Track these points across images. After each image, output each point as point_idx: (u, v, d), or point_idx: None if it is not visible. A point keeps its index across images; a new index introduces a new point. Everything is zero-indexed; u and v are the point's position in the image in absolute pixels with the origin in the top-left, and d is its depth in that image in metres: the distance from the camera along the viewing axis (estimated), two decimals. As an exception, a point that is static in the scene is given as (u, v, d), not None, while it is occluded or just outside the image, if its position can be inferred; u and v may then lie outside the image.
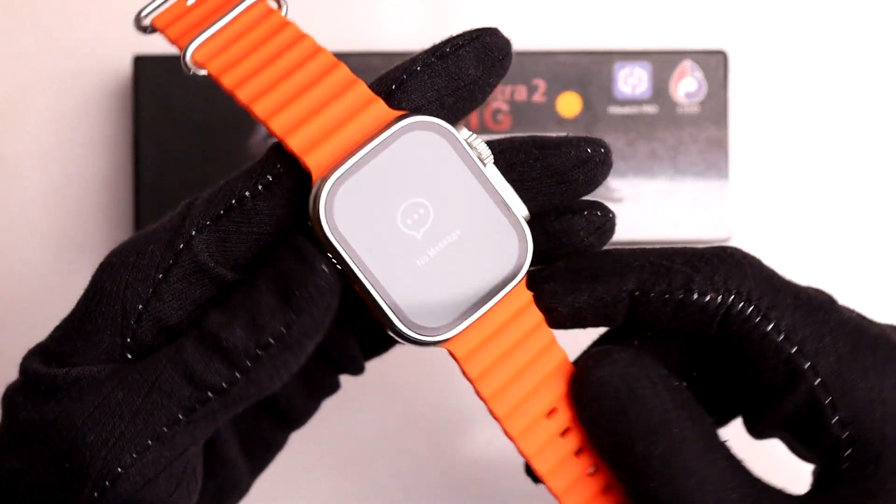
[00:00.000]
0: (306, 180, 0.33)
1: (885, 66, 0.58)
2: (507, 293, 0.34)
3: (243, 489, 0.39)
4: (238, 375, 0.32)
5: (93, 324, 0.33)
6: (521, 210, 0.34)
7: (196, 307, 0.34)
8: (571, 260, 0.35)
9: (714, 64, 0.55)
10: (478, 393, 0.34)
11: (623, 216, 0.55)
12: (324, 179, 0.32)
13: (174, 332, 0.34)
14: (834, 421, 0.33)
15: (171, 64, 0.53)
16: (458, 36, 0.34)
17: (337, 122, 0.33)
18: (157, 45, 0.55)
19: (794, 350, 0.33)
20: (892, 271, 0.58)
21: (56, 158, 0.55)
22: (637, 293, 0.34)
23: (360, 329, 0.40)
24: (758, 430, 0.36)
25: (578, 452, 0.35)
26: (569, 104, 0.54)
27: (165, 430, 0.32)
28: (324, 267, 0.32)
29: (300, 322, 0.32)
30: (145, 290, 0.33)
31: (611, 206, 0.55)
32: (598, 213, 0.35)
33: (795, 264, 0.58)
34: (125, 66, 0.55)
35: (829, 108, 0.58)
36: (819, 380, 0.33)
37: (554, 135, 0.34)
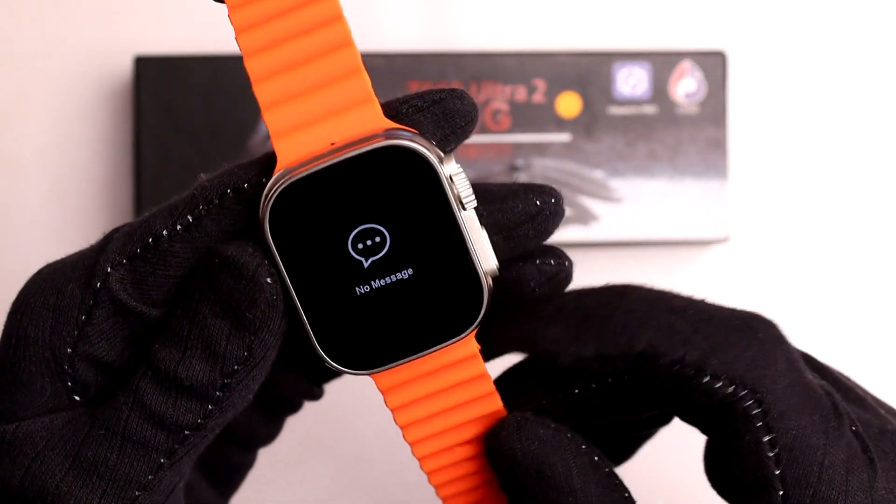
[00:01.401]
0: (228, 224, 0.31)
1: (884, 67, 0.58)
2: (447, 346, 0.32)
3: None
4: (211, 407, 0.31)
5: (27, 374, 0.31)
6: (488, 263, 0.31)
7: (128, 344, 0.32)
8: (581, 298, 0.32)
9: (713, 64, 0.55)
10: (395, 421, 0.33)
11: (622, 216, 0.55)
12: (286, 173, 0.30)
13: (113, 368, 0.32)
14: None
15: (171, 64, 0.53)
16: (419, 96, 0.31)
17: (325, 111, 0.30)
18: (158, 45, 0.55)
19: (777, 472, 0.31)
20: (891, 270, 0.58)
21: (56, 158, 0.56)
22: (644, 353, 0.31)
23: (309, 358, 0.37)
24: (720, 491, 0.34)
25: (484, 472, 0.34)
26: (568, 104, 0.54)
27: (151, 478, 0.31)
28: (268, 280, 0.30)
29: (260, 341, 0.30)
30: (70, 334, 0.31)
31: (610, 205, 0.55)
32: (552, 262, 0.32)
33: (794, 264, 0.58)
34: (125, 66, 0.55)
35: (829, 108, 0.58)
36: None
37: (499, 183, 0.32)
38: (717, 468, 0.33)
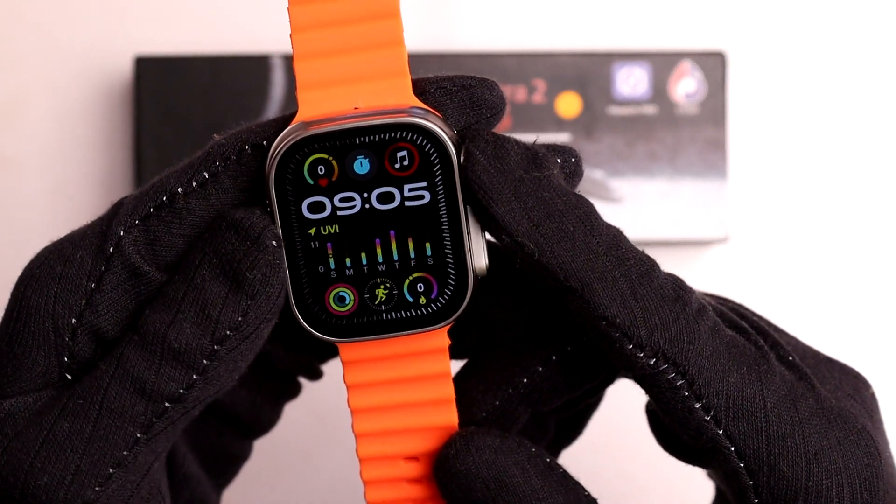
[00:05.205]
0: (244, 181, 0.30)
1: (883, 67, 0.58)
2: (421, 333, 0.31)
3: None
4: (195, 377, 0.29)
5: (23, 346, 0.30)
6: (480, 262, 0.31)
7: (132, 317, 0.31)
8: (556, 198, 0.31)
9: (713, 65, 0.55)
10: (348, 402, 0.33)
11: (622, 216, 0.55)
12: (303, 126, 0.30)
13: (114, 345, 0.31)
14: (755, 501, 0.31)
15: (171, 65, 0.53)
16: (449, 79, 0.31)
17: (357, 74, 0.30)
18: (158, 45, 0.55)
19: (721, 431, 0.30)
20: (890, 271, 0.58)
21: (56, 158, 0.56)
22: (577, 292, 0.30)
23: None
24: (672, 452, 0.34)
25: (420, 502, 0.33)
26: (568, 105, 0.55)
27: (126, 453, 0.30)
28: (273, 242, 0.29)
29: (257, 306, 0.29)
30: (77, 303, 0.30)
31: (609, 205, 0.55)
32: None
33: (793, 264, 0.58)
34: (126, 67, 0.55)
35: (828, 109, 0.58)
36: (743, 464, 0.31)
37: (521, 142, 0.31)
38: (665, 432, 0.33)
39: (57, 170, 0.56)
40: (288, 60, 0.53)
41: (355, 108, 0.30)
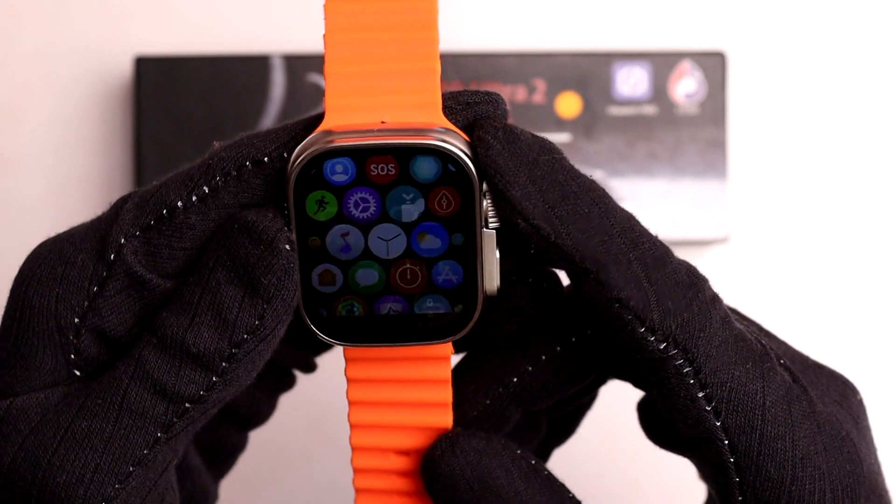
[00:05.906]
0: (245, 197, 0.30)
1: (883, 67, 0.58)
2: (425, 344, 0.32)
3: (213, 497, 0.38)
4: (215, 379, 0.30)
5: (28, 345, 0.30)
6: (490, 284, 0.31)
7: (137, 319, 0.31)
8: (570, 181, 0.31)
9: (713, 65, 0.55)
10: (347, 394, 0.33)
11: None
12: (328, 135, 0.29)
13: (119, 344, 0.31)
14: (739, 499, 0.31)
15: (171, 64, 0.53)
16: (453, 97, 0.31)
17: (388, 87, 0.30)
18: (158, 45, 0.55)
19: (718, 423, 0.31)
20: (891, 271, 0.58)
21: (56, 158, 0.56)
22: (592, 273, 0.30)
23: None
24: (660, 443, 0.34)
25: (407, 495, 0.34)
26: (568, 105, 0.55)
27: (146, 452, 0.30)
28: (287, 247, 0.30)
29: (272, 310, 0.30)
30: (80, 304, 0.30)
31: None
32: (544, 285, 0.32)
33: (793, 264, 0.58)
34: (126, 67, 0.55)
35: (828, 109, 0.58)
36: (733, 459, 0.31)
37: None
38: (657, 422, 0.33)
39: (57, 170, 0.56)
40: (288, 60, 0.53)
41: (382, 123, 0.30)
